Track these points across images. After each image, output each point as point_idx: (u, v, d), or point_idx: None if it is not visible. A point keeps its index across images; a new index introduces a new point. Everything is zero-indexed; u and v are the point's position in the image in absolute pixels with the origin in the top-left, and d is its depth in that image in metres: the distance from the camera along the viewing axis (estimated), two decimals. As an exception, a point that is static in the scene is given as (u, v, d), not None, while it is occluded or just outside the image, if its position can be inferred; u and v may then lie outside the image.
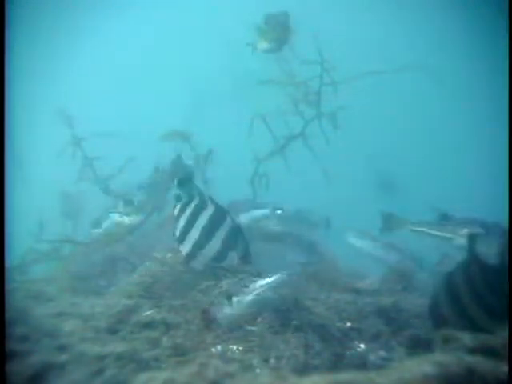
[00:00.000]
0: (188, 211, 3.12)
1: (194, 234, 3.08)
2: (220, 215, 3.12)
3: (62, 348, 1.92)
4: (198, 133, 4.78)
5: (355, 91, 5.39)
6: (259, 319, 2.46)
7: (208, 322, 2.37)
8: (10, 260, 3.12)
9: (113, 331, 2.28)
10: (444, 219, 3.84)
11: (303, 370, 2.05)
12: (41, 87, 8.61)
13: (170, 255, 3.28)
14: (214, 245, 3.06)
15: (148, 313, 2.45)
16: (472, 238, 2.36)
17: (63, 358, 1.84)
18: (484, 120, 11.51)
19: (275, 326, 2.41)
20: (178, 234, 3.11)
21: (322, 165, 5.04)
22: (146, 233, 4.62)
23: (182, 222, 3.11)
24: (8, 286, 2.24)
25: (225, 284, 2.74)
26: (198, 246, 3.07)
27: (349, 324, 2.61)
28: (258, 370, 2.00)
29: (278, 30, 4.34)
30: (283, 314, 2.51)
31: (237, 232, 3.12)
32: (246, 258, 3.10)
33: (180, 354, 2.11)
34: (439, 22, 10.98)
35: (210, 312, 2.40)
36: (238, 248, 3.09)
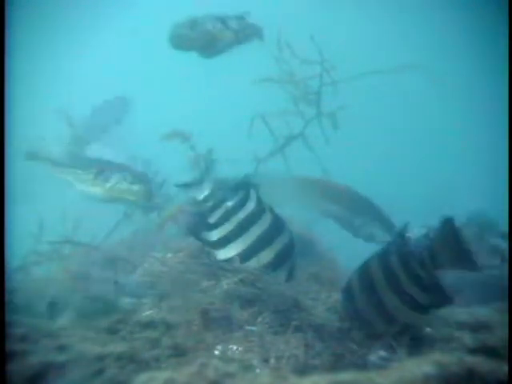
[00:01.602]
0: (240, 216, 2.94)
1: (247, 239, 2.92)
2: (278, 226, 2.97)
3: (61, 348, 1.92)
4: (198, 133, 4.77)
5: (355, 91, 5.38)
6: (259, 319, 2.46)
7: (208, 321, 2.37)
8: (11, 261, 3.12)
9: (113, 331, 2.28)
10: None
11: (303, 370, 2.05)
12: (41, 87, 8.61)
13: (169, 255, 3.28)
14: (266, 257, 2.92)
15: (148, 313, 2.45)
16: (400, 231, 2.34)
17: (63, 357, 1.84)
18: (484, 120, 11.50)
19: (275, 326, 2.41)
20: (216, 237, 2.93)
21: (322, 165, 5.04)
22: (145, 233, 4.62)
23: (228, 226, 2.93)
24: (8, 287, 2.24)
25: (225, 284, 2.74)
26: (247, 254, 2.91)
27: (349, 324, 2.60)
28: (258, 370, 2.00)
29: (205, 38, 4.03)
30: (283, 313, 2.51)
31: (291, 249, 2.99)
32: (291, 275, 2.99)
33: (180, 354, 2.11)
34: (439, 22, 10.98)
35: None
36: (287, 265, 2.97)
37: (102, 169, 3.97)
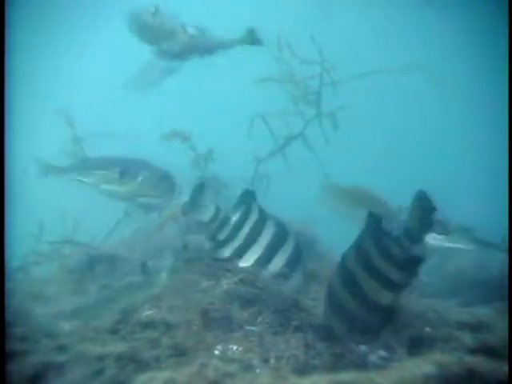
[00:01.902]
0: (246, 227, 3.02)
1: (256, 250, 3.00)
2: (282, 235, 3.05)
3: (61, 348, 1.92)
4: (198, 133, 4.77)
5: (355, 91, 5.38)
6: (259, 319, 2.46)
7: (208, 321, 2.37)
8: (11, 261, 3.12)
9: (113, 331, 2.28)
10: None
11: (303, 370, 2.05)
12: (41, 87, 8.61)
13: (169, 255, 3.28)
14: (276, 265, 2.99)
15: (148, 313, 2.45)
16: (372, 216, 2.35)
17: (63, 358, 1.84)
18: (484, 120, 11.50)
19: (275, 326, 2.41)
20: (228, 253, 3.01)
21: (322, 165, 5.04)
22: (146, 233, 4.62)
23: (237, 241, 3.01)
24: (8, 287, 2.24)
25: (225, 284, 2.74)
26: (260, 263, 2.98)
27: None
28: (257, 370, 2.00)
29: (163, 30, 3.97)
30: (283, 313, 2.51)
31: (298, 255, 3.06)
32: (302, 281, 3.06)
33: (180, 354, 2.11)
34: (439, 22, 10.97)
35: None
36: (299, 269, 3.04)
37: (126, 167, 3.95)
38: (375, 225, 2.31)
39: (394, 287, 2.26)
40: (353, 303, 2.33)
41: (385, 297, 2.27)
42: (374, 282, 2.26)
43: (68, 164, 4.24)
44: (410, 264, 2.23)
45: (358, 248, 2.34)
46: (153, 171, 3.98)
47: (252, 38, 4.05)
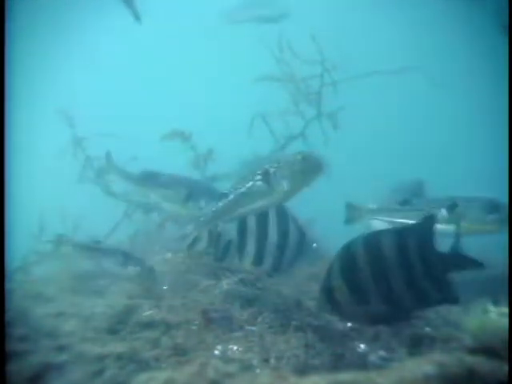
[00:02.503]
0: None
1: (250, 244, 3.08)
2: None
3: (61, 348, 1.92)
4: (198, 133, 4.77)
5: (355, 91, 5.38)
6: (259, 319, 2.46)
7: (208, 321, 2.37)
8: (11, 261, 3.12)
9: (113, 331, 2.28)
10: (405, 204, 3.81)
11: (303, 370, 2.04)
12: (41, 87, 8.61)
13: (169, 255, 3.28)
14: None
15: (148, 313, 2.45)
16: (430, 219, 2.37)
17: (63, 358, 1.84)
18: (484, 120, 11.50)
19: (275, 326, 2.41)
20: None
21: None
22: (146, 233, 4.63)
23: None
24: (8, 287, 2.24)
25: (225, 284, 2.74)
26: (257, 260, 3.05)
27: (349, 324, 2.60)
28: (257, 370, 2.00)
29: None
30: (283, 313, 2.51)
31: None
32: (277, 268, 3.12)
33: (180, 353, 2.11)
34: (439, 23, 10.98)
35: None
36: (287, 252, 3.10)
37: (191, 191, 3.93)
38: (427, 229, 2.33)
39: (422, 298, 2.29)
40: (376, 295, 2.32)
41: (407, 299, 2.29)
42: (410, 293, 2.28)
43: (134, 173, 4.25)
44: (447, 301, 2.29)
45: (402, 248, 2.32)
46: (213, 194, 3.96)
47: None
